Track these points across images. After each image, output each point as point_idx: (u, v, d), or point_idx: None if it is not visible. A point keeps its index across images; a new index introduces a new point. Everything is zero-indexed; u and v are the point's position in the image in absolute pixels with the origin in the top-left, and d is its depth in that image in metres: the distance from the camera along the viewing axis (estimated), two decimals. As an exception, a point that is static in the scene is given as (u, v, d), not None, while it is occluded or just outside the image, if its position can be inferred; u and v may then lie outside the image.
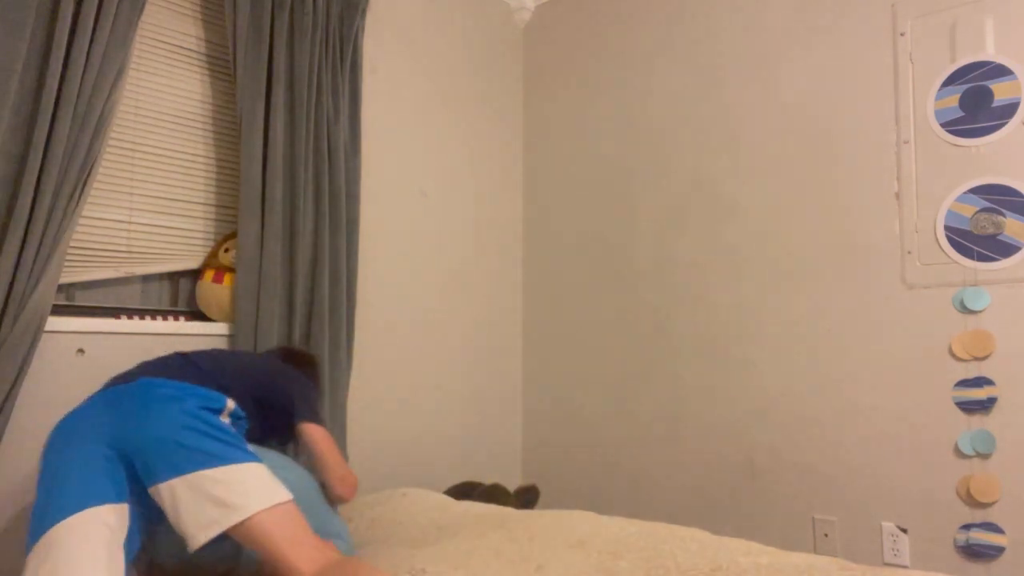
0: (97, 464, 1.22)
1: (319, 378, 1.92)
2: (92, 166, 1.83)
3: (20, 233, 1.68)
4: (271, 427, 1.64)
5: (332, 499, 1.64)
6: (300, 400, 1.65)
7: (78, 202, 1.80)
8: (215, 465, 1.20)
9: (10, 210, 1.69)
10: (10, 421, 1.70)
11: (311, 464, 1.66)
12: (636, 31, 2.98)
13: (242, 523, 1.17)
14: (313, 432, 1.62)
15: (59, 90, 1.75)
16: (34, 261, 1.71)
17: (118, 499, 1.22)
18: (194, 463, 1.19)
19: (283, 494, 1.23)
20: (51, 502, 1.20)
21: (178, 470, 1.19)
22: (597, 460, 2.93)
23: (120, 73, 1.88)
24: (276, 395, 1.62)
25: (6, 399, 1.66)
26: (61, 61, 1.74)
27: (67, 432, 1.30)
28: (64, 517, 1.18)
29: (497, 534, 1.60)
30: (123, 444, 1.23)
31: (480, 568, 1.41)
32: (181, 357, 1.54)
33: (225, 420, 1.34)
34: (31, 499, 1.61)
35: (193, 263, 2.23)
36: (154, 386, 1.31)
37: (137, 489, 1.24)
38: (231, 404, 1.36)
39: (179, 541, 1.27)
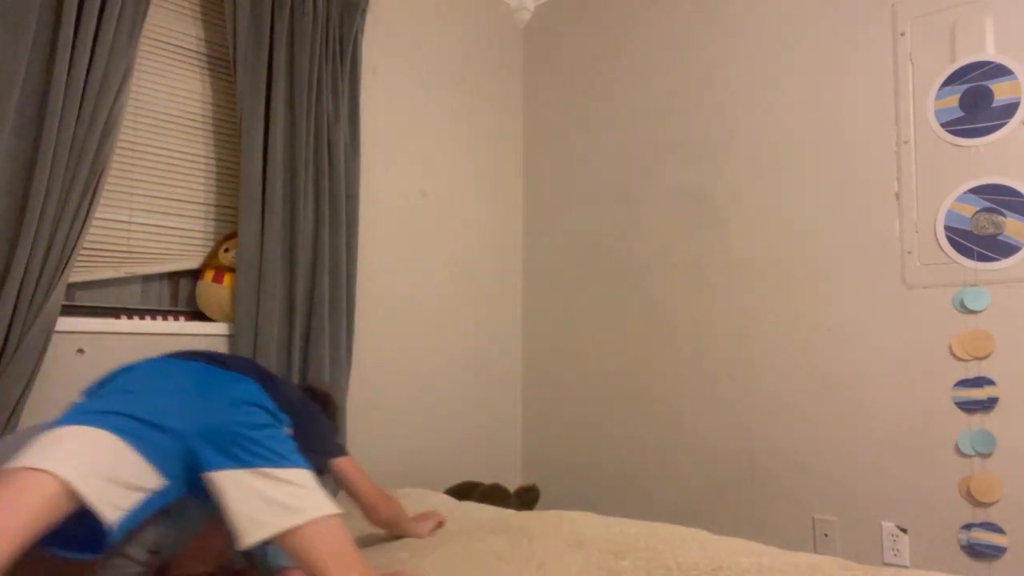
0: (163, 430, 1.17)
1: (336, 419, 1.92)
2: (103, 169, 1.84)
3: (35, 237, 1.70)
4: None
5: (378, 522, 1.67)
6: (331, 438, 1.67)
7: (90, 205, 1.82)
8: (282, 465, 1.19)
9: (22, 213, 1.70)
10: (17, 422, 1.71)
11: (350, 496, 1.68)
12: (636, 31, 2.98)
13: (296, 528, 1.14)
14: (346, 465, 1.63)
15: (64, 93, 1.75)
16: (43, 263, 1.73)
17: (158, 465, 1.16)
18: (262, 459, 1.18)
19: (336, 507, 1.21)
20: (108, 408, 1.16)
21: (245, 462, 1.17)
22: (597, 460, 2.93)
23: (126, 76, 1.89)
24: (309, 431, 1.63)
25: (18, 401, 1.68)
26: (66, 63, 1.75)
27: (156, 373, 1.28)
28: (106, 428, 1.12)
29: (498, 538, 1.60)
30: (198, 424, 1.19)
31: (482, 573, 1.41)
32: (261, 369, 1.55)
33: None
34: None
35: (193, 263, 2.23)
36: (242, 383, 1.30)
37: (183, 475, 1.20)
38: (288, 430, 1.36)
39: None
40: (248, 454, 1.17)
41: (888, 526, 2.23)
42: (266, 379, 1.44)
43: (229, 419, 1.20)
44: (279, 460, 1.19)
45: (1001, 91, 2.12)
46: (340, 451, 1.65)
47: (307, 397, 1.70)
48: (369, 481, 1.65)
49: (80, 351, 1.91)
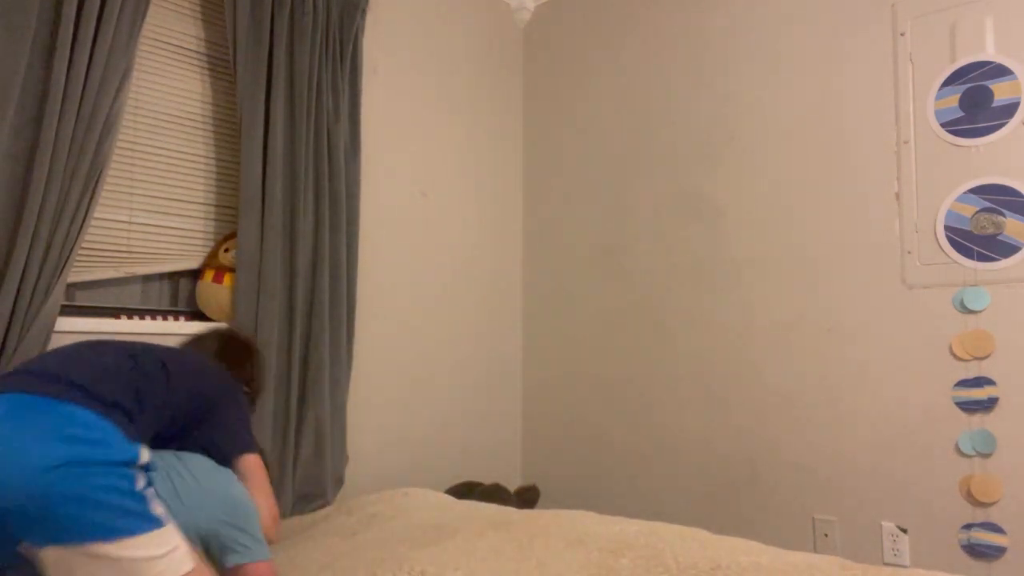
0: None
1: (260, 369, 1.75)
2: (102, 169, 1.84)
3: (33, 236, 1.70)
4: (193, 445, 1.46)
5: None
6: (241, 429, 1.49)
7: (89, 204, 1.82)
8: (111, 538, 1.02)
9: (21, 212, 1.70)
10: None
11: None
12: (636, 31, 2.98)
13: None
14: (251, 464, 1.46)
15: (64, 93, 1.75)
16: (43, 262, 1.72)
17: None
18: (84, 535, 1.01)
19: (179, 567, 1.07)
20: None
21: (63, 540, 1.00)
22: (597, 460, 2.93)
23: (125, 76, 1.89)
24: (214, 420, 1.45)
25: None
26: (65, 63, 1.75)
27: None
28: None
29: (497, 534, 1.60)
30: (3, 498, 1.00)
31: (481, 568, 1.41)
32: (127, 361, 1.32)
33: (132, 471, 1.10)
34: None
35: (193, 263, 2.23)
36: (63, 431, 1.07)
37: None
38: (145, 456, 1.14)
39: None
40: (66, 532, 1.00)
41: (888, 526, 2.23)
42: (137, 378, 1.26)
43: (43, 489, 0.99)
44: (107, 533, 1.01)
45: (1001, 91, 2.12)
46: (250, 447, 1.48)
47: (222, 360, 1.55)
48: (270, 492, 1.47)
49: (80, 351, 1.91)
